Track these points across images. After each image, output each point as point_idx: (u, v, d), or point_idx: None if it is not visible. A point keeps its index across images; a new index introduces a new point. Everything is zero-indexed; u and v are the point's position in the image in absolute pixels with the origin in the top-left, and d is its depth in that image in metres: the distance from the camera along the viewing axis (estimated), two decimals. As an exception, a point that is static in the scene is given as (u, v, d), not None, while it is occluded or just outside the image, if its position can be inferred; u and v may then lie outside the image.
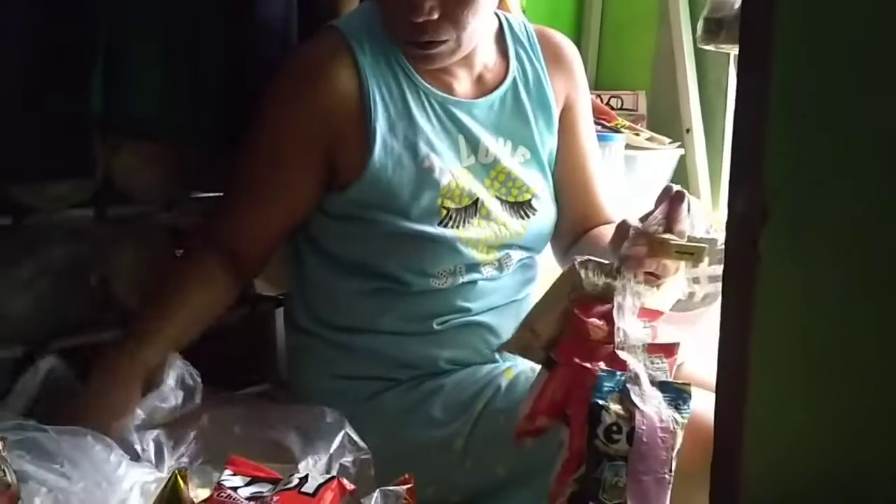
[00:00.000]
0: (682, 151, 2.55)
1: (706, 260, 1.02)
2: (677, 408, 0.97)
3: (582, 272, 1.00)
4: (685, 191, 1.07)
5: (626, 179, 2.34)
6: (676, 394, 0.98)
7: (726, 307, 0.71)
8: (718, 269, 1.04)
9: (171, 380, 1.13)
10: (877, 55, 0.63)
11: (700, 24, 2.18)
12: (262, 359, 1.48)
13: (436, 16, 1.18)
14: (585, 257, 1.03)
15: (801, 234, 0.67)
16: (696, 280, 1.05)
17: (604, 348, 0.98)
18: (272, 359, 1.48)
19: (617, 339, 0.99)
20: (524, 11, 2.35)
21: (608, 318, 0.99)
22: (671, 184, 1.08)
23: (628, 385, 0.97)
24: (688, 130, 2.57)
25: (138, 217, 1.35)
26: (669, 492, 0.94)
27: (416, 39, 1.21)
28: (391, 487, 0.91)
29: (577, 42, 2.76)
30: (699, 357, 1.18)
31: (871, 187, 0.64)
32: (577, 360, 0.98)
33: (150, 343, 1.16)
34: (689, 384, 0.99)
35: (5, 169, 1.16)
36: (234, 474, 0.93)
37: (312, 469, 1.06)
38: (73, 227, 1.29)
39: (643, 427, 0.94)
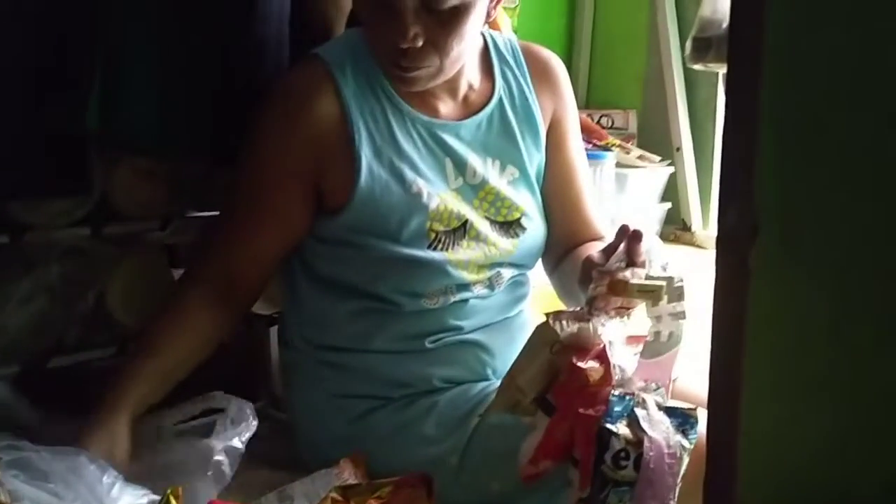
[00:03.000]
0: (672, 169, 2.57)
1: (665, 298, 1.04)
2: (685, 433, 0.98)
3: (556, 326, 1.01)
4: (641, 229, 1.09)
5: (616, 197, 2.36)
6: (684, 419, 0.98)
7: (717, 324, 0.71)
8: (679, 307, 1.06)
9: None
10: (866, 72, 0.64)
11: (689, 44, 2.21)
12: (257, 376, 1.48)
13: (420, 43, 1.18)
14: (554, 311, 1.04)
15: (792, 251, 0.68)
16: (658, 319, 1.06)
17: (602, 392, 0.98)
18: (267, 376, 1.48)
19: (615, 377, 0.99)
20: (515, 31, 2.37)
21: (601, 358, 1.00)
22: (626, 223, 1.10)
23: (637, 410, 0.97)
24: (678, 148, 2.59)
25: (134, 235, 1.35)
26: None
27: (399, 64, 1.21)
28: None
29: (568, 61, 2.79)
30: (693, 372, 1.19)
31: (861, 204, 0.65)
32: (580, 409, 0.98)
33: (136, 385, 1.17)
34: (695, 408, 1.00)
35: (3, 186, 1.17)
36: None
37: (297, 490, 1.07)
38: (71, 244, 1.30)
39: (651, 454, 0.95)
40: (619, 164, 2.40)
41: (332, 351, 1.29)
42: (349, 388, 1.28)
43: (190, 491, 1.01)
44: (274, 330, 1.46)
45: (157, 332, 1.22)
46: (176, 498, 0.93)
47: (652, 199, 2.53)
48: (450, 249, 1.26)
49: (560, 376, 1.00)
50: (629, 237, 1.08)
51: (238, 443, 1.09)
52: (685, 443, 0.97)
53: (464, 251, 1.27)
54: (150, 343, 1.21)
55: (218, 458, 1.06)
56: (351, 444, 1.22)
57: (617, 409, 0.97)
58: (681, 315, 1.05)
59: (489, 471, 1.18)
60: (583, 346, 1.01)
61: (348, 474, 1.14)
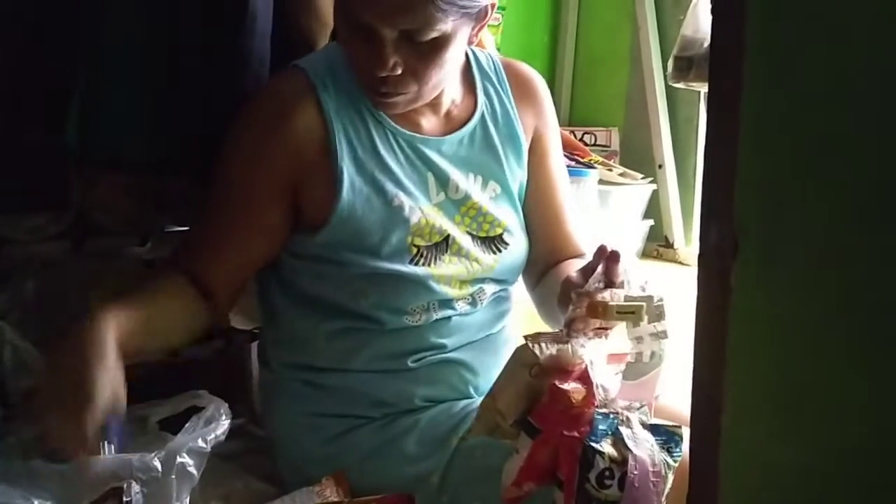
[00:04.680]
0: (654, 186, 2.58)
1: (645, 318, 1.04)
2: (669, 451, 0.97)
3: (535, 348, 1.01)
4: (619, 250, 1.09)
5: (599, 214, 2.36)
6: (668, 436, 0.98)
7: (699, 340, 0.71)
8: (660, 326, 1.06)
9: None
10: (848, 88, 0.64)
11: (671, 63, 2.23)
12: (237, 393, 1.47)
13: (399, 71, 1.18)
14: (533, 333, 1.04)
15: (773, 267, 0.68)
16: (639, 340, 1.05)
17: (586, 413, 0.98)
18: (247, 393, 1.47)
19: (599, 397, 0.99)
20: (498, 48, 2.38)
21: (583, 379, 1.00)
22: (604, 244, 1.10)
23: (621, 428, 0.97)
24: (660, 166, 2.61)
25: (113, 250, 1.34)
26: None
27: (378, 90, 1.21)
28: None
29: (551, 80, 2.80)
30: (676, 390, 1.19)
31: (843, 221, 0.65)
32: (564, 431, 0.97)
33: (117, 317, 1.08)
34: (679, 426, 0.99)
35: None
36: None
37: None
38: (49, 259, 1.29)
39: (635, 472, 0.94)
40: (601, 182, 2.40)
41: (312, 371, 1.28)
42: (329, 407, 1.27)
43: (156, 490, 1.00)
44: (255, 346, 1.45)
45: (134, 290, 1.15)
46: None
47: (634, 217, 2.54)
48: (432, 264, 1.25)
49: (541, 398, 0.99)
50: (607, 258, 1.08)
51: (202, 443, 1.07)
52: (670, 460, 0.97)
53: (446, 266, 1.27)
54: (128, 295, 1.14)
55: (181, 459, 1.05)
56: (331, 462, 1.21)
57: (601, 427, 0.97)
58: (662, 335, 1.05)
59: (471, 491, 1.17)
60: (563, 367, 1.00)
61: (330, 492, 1.14)
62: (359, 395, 1.26)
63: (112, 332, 1.06)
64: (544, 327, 1.31)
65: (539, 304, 1.40)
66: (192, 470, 1.05)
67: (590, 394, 0.99)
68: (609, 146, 2.71)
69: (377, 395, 1.26)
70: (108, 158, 1.27)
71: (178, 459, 1.04)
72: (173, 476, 1.04)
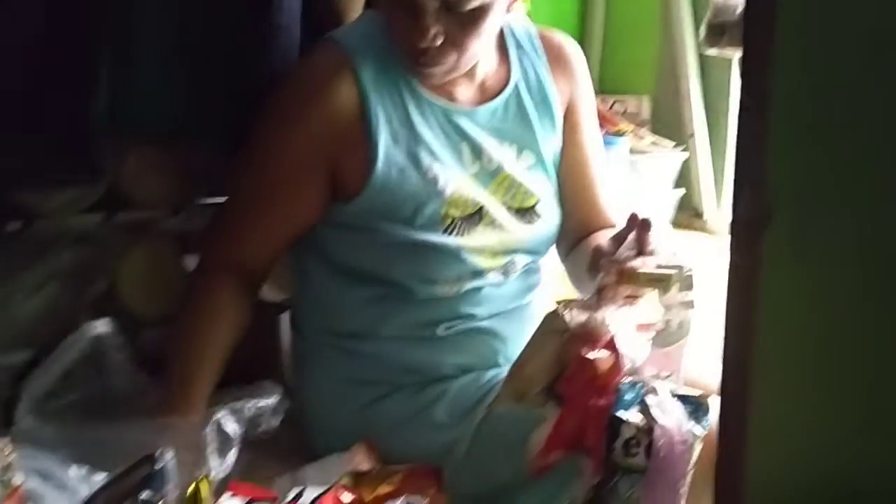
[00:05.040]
0: (685, 155, 2.55)
1: (675, 287, 1.04)
2: (697, 420, 0.97)
3: (566, 315, 1.01)
4: (650, 218, 1.08)
5: (629, 183, 2.35)
6: (696, 406, 0.98)
7: (730, 310, 0.71)
8: (689, 295, 1.06)
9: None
10: (880, 58, 0.63)
11: (703, 29, 2.19)
12: (269, 363, 1.48)
13: (439, 42, 1.18)
14: (564, 300, 1.04)
15: (804, 237, 0.67)
16: (668, 308, 1.05)
17: (612, 382, 0.98)
18: (278, 363, 1.48)
19: (626, 367, 0.99)
20: (529, 16, 2.36)
21: (611, 347, 1.00)
22: (635, 212, 1.09)
23: (648, 397, 0.97)
24: (691, 135, 2.57)
25: (146, 222, 1.36)
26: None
27: (417, 60, 1.21)
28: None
29: (581, 46, 2.77)
30: (705, 361, 1.19)
31: (875, 190, 0.64)
32: (590, 399, 0.98)
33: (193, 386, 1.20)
34: (707, 395, 0.99)
35: (13, 175, 1.17)
36: (234, 495, 0.95)
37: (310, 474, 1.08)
38: (82, 232, 1.30)
39: (662, 441, 0.94)
40: (632, 151, 2.39)
41: (344, 337, 1.29)
42: (360, 374, 1.29)
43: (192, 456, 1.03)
44: (285, 317, 1.46)
45: (194, 318, 1.24)
46: (203, 488, 0.94)
47: (665, 186, 2.52)
48: (465, 235, 1.26)
49: (569, 367, 1.00)
50: (638, 226, 1.08)
51: (243, 410, 1.11)
52: (697, 430, 0.97)
53: (479, 237, 1.27)
54: (193, 328, 1.23)
55: (223, 421, 1.08)
56: (361, 430, 1.23)
57: (628, 396, 0.97)
58: (690, 304, 1.05)
59: (498, 460, 1.17)
60: (592, 335, 1.00)
61: (360, 459, 1.15)
62: (389, 362, 1.28)
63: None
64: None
65: (570, 273, 1.40)
66: (233, 433, 1.07)
67: (617, 363, 0.99)
68: (639, 115, 2.68)
69: (407, 363, 1.27)
70: (139, 130, 1.28)
71: (219, 421, 1.07)
72: (213, 441, 1.06)
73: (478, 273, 1.27)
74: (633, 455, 0.95)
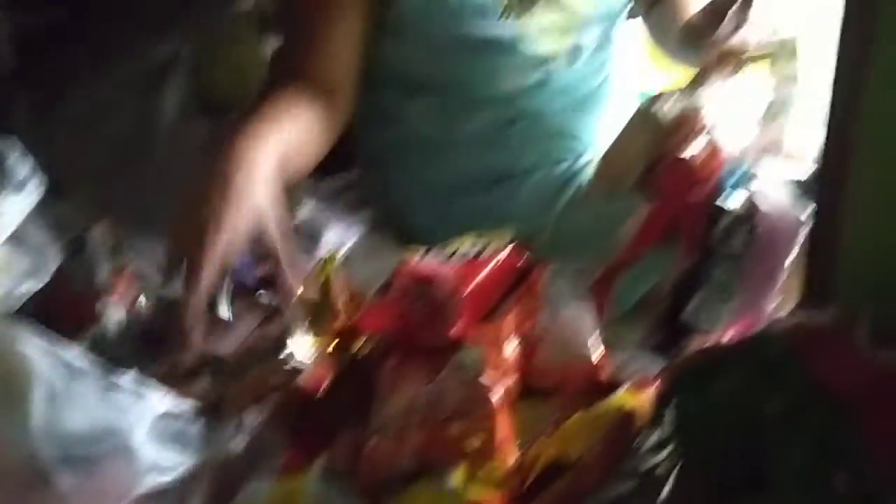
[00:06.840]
0: None
1: (779, 63, 0.98)
2: (800, 207, 0.94)
3: (659, 107, 0.95)
4: None
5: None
6: (802, 190, 0.94)
7: (842, 50, 0.67)
8: (791, 70, 0.98)
9: None
10: None
11: None
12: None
13: None
14: (653, 94, 0.97)
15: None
16: (773, 85, 1.00)
17: (709, 174, 0.93)
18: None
19: (724, 153, 0.94)
20: None
21: (708, 138, 0.94)
22: None
23: (749, 182, 0.93)
24: None
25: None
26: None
27: None
28: None
29: None
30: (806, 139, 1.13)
31: None
32: (685, 193, 0.93)
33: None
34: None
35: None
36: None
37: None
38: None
39: (763, 228, 0.92)
40: None
41: (407, 144, 1.25)
42: (430, 176, 1.25)
43: None
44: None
45: (276, 105, 1.05)
46: (331, 264, 0.93)
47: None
48: (524, 17, 1.16)
49: (664, 160, 0.96)
50: (741, 2, 0.99)
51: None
52: (800, 216, 0.94)
53: (539, 17, 1.16)
54: (275, 108, 1.05)
55: None
56: (438, 232, 1.22)
57: (728, 182, 0.94)
58: (792, 79, 0.99)
59: (580, 251, 1.15)
60: (689, 126, 0.96)
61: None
62: (459, 166, 1.24)
63: (273, 146, 0.98)
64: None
65: (654, 34, 1.31)
66: None
67: (716, 152, 0.95)
68: None
69: (476, 165, 1.24)
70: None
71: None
72: None
73: (542, 61, 1.19)
74: (732, 241, 0.93)
